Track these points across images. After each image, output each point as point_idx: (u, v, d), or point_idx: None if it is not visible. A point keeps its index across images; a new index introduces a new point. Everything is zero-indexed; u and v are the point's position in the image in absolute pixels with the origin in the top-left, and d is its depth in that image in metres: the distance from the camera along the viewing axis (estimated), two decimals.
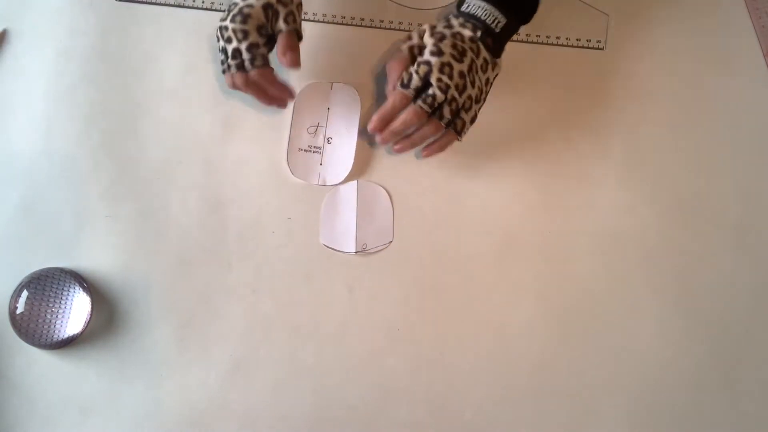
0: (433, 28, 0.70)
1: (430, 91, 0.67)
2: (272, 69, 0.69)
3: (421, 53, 0.69)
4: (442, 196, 0.75)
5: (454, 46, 0.68)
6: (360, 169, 0.75)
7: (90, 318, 0.70)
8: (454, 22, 0.70)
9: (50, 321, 0.69)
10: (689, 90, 0.77)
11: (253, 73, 0.68)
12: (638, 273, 0.74)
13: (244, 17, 0.66)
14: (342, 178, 0.74)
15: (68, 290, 0.70)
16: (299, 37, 0.70)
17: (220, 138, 0.75)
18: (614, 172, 0.76)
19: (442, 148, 0.71)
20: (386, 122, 0.69)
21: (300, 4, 0.70)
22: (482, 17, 0.69)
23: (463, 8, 0.70)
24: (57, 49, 0.76)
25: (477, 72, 0.69)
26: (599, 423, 0.72)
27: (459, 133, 0.70)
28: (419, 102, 0.67)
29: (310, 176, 0.74)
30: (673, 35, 0.78)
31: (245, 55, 0.67)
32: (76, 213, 0.74)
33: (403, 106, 0.68)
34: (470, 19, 0.69)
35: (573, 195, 0.75)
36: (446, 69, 0.67)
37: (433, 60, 0.67)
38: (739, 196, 0.75)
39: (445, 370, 0.72)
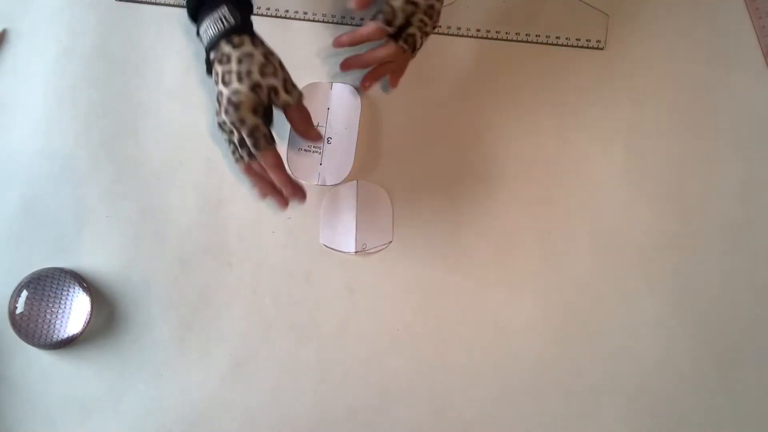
0: None
1: (411, 30, 0.69)
2: (274, 144, 0.66)
3: None
4: (442, 196, 0.75)
5: None
6: (360, 168, 0.75)
7: (90, 318, 0.70)
8: None
9: (50, 321, 0.69)
10: (689, 90, 0.77)
11: (262, 155, 0.64)
12: (638, 273, 0.74)
13: (235, 106, 0.62)
14: (342, 178, 0.74)
15: (68, 290, 0.70)
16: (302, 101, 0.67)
17: (220, 138, 0.75)
18: (614, 172, 0.76)
19: (403, 71, 0.73)
20: (354, 42, 0.70)
21: (281, 63, 0.66)
22: None
23: None
24: (57, 49, 0.76)
25: None
26: (599, 423, 0.72)
27: (413, 49, 0.71)
28: (401, 43, 0.69)
29: (310, 176, 0.74)
30: (672, 35, 0.78)
31: (249, 141, 0.64)
32: (76, 213, 0.74)
33: (376, 39, 0.69)
34: None
35: (573, 195, 0.75)
36: (429, 11, 0.68)
37: (421, 1, 0.67)
38: (739, 196, 0.75)
39: (445, 370, 0.72)
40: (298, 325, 0.73)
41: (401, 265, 0.74)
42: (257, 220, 0.74)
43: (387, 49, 0.70)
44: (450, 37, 0.77)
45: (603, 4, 0.78)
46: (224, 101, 0.63)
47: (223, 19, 0.63)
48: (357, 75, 0.76)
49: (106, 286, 0.72)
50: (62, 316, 0.69)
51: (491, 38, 0.77)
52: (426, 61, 0.75)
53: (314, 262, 0.73)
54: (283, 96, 0.64)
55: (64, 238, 0.73)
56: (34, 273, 0.71)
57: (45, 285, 0.70)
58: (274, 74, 0.64)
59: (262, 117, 0.64)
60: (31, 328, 0.69)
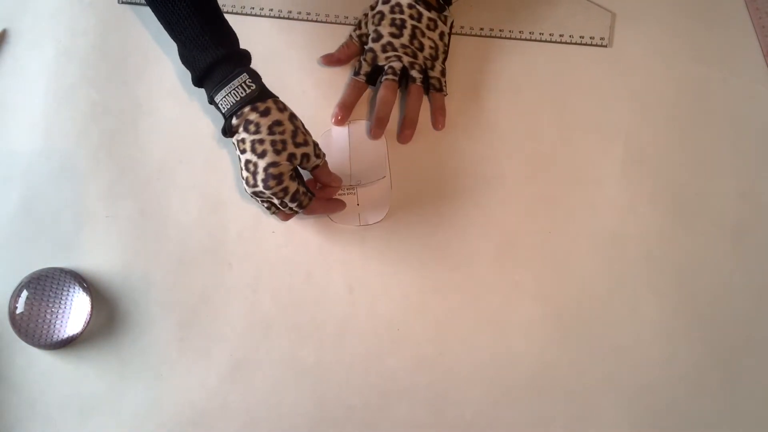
0: (374, 8, 0.74)
1: (386, 66, 0.72)
2: (313, 195, 0.68)
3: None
4: (442, 195, 0.75)
5: (392, 23, 0.71)
6: None
7: (90, 318, 0.70)
8: None
9: (50, 321, 0.69)
10: (689, 90, 0.77)
11: (311, 207, 0.68)
12: (638, 273, 0.74)
13: (278, 179, 0.63)
14: (382, 216, 0.73)
15: (68, 290, 0.70)
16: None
17: (220, 138, 0.75)
18: (615, 172, 0.76)
19: (442, 110, 0.74)
20: (347, 109, 0.74)
21: (302, 122, 0.67)
22: None
23: None
24: (57, 49, 0.76)
25: (423, 36, 0.72)
26: (599, 423, 0.72)
27: (440, 90, 0.73)
28: (382, 77, 0.72)
29: (350, 219, 0.73)
30: (673, 35, 0.78)
31: (292, 204, 0.66)
32: (76, 213, 0.74)
33: (358, 92, 0.74)
34: None
35: (573, 195, 0.75)
36: (388, 48, 0.71)
37: (375, 45, 0.72)
38: (739, 196, 0.75)
39: (445, 370, 0.72)
40: (298, 325, 0.73)
41: (401, 266, 0.74)
42: (257, 220, 0.74)
43: (418, 98, 0.73)
44: (453, 36, 0.77)
45: (607, 2, 0.78)
46: (261, 173, 0.63)
47: (245, 86, 0.64)
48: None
49: (106, 286, 0.72)
50: (62, 316, 0.69)
51: (495, 37, 0.77)
52: None
53: (314, 262, 0.73)
54: (314, 160, 0.67)
55: (64, 238, 0.73)
56: (34, 273, 0.71)
57: (45, 285, 0.70)
58: (306, 143, 0.65)
59: (298, 178, 0.67)
60: (31, 328, 0.69)
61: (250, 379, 0.71)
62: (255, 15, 0.77)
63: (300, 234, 0.74)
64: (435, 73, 0.73)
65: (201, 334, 0.72)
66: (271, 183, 0.63)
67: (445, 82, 0.74)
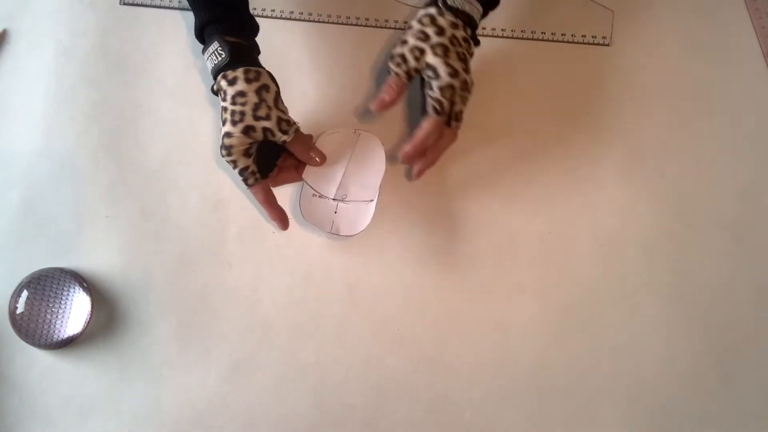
0: (424, 39, 0.67)
1: (457, 108, 0.68)
2: (266, 182, 0.69)
3: (420, 70, 0.68)
4: (442, 195, 0.75)
5: (459, 57, 0.67)
6: None
7: (90, 318, 0.70)
8: (444, 22, 0.67)
9: (50, 321, 0.69)
10: (689, 89, 0.77)
11: (252, 191, 0.69)
12: (638, 273, 0.74)
13: (228, 149, 0.66)
14: (356, 231, 0.72)
15: (68, 290, 0.70)
16: (300, 131, 0.68)
17: (220, 138, 0.75)
18: (615, 172, 0.76)
19: (451, 143, 0.71)
20: (420, 152, 0.68)
21: (277, 94, 0.66)
22: (468, 12, 0.68)
23: (450, 2, 0.68)
24: (57, 49, 0.76)
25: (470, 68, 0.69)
26: (599, 423, 0.72)
27: (456, 124, 0.70)
28: (453, 123, 0.69)
29: (322, 224, 0.72)
30: (673, 35, 0.78)
31: (240, 178, 0.68)
32: (76, 213, 0.74)
33: (437, 134, 0.68)
34: (458, 15, 0.68)
35: (573, 195, 0.75)
36: (464, 85, 0.68)
37: (455, 82, 0.67)
38: (739, 196, 0.75)
39: (445, 370, 0.72)
40: (298, 325, 0.73)
41: (401, 265, 0.74)
42: (257, 220, 0.74)
43: (439, 132, 0.69)
44: None
45: (607, 1, 0.78)
46: (221, 140, 0.66)
47: (216, 54, 0.66)
48: (358, 75, 0.76)
49: (106, 286, 0.72)
50: (62, 316, 0.69)
51: (495, 36, 0.77)
52: None
53: (314, 262, 0.73)
54: (279, 135, 0.66)
55: (64, 238, 0.73)
56: (34, 273, 0.71)
57: (45, 285, 0.70)
58: (268, 117, 0.65)
59: (258, 153, 0.67)
60: (31, 328, 0.69)
61: (250, 379, 0.71)
62: (255, 15, 0.77)
63: (300, 234, 0.74)
64: (463, 105, 0.70)
65: (201, 334, 0.72)
66: (223, 152, 0.66)
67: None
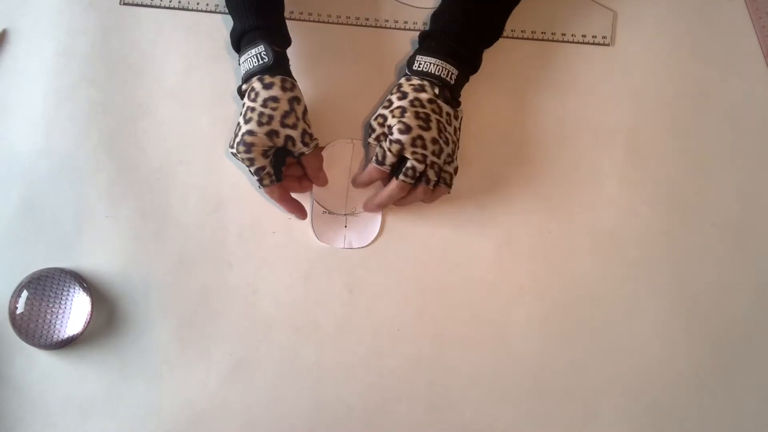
0: (387, 107, 0.70)
1: (409, 164, 0.68)
2: (282, 183, 0.70)
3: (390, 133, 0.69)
4: (442, 195, 0.75)
5: (416, 116, 0.68)
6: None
7: (90, 318, 0.70)
8: (407, 87, 0.70)
9: (50, 321, 0.69)
10: (689, 90, 0.77)
11: (266, 191, 0.70)
12: (638, 273, 0.74)
13: (248, 146, 0.66)
14: (368, 242, 0.73)
15: (68, 290, 0.70)
16: (320, 149, 0.71)
17: (220, 138, 0.75)
18: (615, 172, 0.76)
19: (431, 201, 0.72)
20: (380, 207, 0.72)
21: (305, 109, 0.69)
22: (436, 72, 0.69)
23: (415, 67, 0.71)
24: (57, 49, 0.76)
25: (445, 130, 0.69)
26: (599, 423, 0.72)
27: (449, 185, 0.71)
28: (401, 177, 0.69)
29: (335, 240, 0.73)
30: (673, 35, 0.78)
31: (255, 177, 0.68)
32: (76, 213, 0.74)
33: (380, 178, 0.71)
34: (425, 77, 0.70)
35: (573, 195, 0.75)
36: (418, 142, 0.68)
37: (404, 138, 0.68)
38: (739, 196, 0.75)
39: (445, 370, 0.72)
40: (298, 325, 0.73)
41: (401, 266, 0.74)
42: (257, 220, 0.74)
43: (400, 191, 0.70)
44: None
45: (608, 1, 0.78)
46: (239, 136, 0.67)
47: (259, 57, 0.67)
48: (358, 75, 0.76)
49: (106, 286, 0.72)
50: (62, 316, 0.69)
51: None
52: None
53: (314, 262, 0.73)
54: (299, 147, 0.68)
55: (64, 238, 0.73)
56: (34, 273, 0.71)
57: (45, 285, 0.70)
58: (294, 126, 0.67)
59: (273, 156, 0.69)
60: (31, 328, 0.69)
61: (250, 379, 0.71)
62: None
63: (300, 234, 0.74)
64: (450, 169, 0.70)
65: (201, 334, 0.72)
66: (240, 148, 0.66)
67: (455, 180, 0.72)
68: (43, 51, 0.76)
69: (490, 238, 0.74)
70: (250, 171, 0.68)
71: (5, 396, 0.70)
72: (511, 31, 0.78)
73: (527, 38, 0.78)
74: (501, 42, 0.76)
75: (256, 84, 0.67)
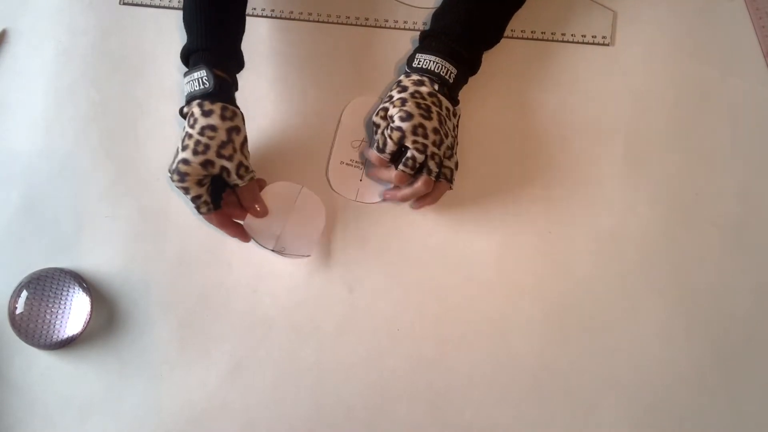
0: (388, 101, 0.70)
1: (409, 154, 0.68)
2: (220, 210, 0.68)
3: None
4: (442, 195, 0.75)
5: (418, 105, 0.68)
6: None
7: (90, 318, 0.70)
8: (407, 82, 0.70)
9: (50, 321, 0.69)
10: (689, 90, 0.77)
11: (205, 218, 0.68)
12: (638, 273, 0.74)
13: (182, 176, 0.65)
14: (378, 199, 0.74)
15: (68, 290, 0.70)
16: (256, 181, 0.69)
17: (174, 162, 0.75)
18: (615, 172, 0.76)
19: (435, 200, 0.72)
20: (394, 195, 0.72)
21: (245, 139, 0.67)
22: (435, 70, 0.70)
23: (415, 64, 0.71)
24: (57, 49, 0.76)
25: (445, 123, 0.70)
26: (599, 423, 0.72)
27: (450, 180, 0.71)
28: (401, 166, 0.69)
29: (348, 191, 0.74)
30: (673, 35, 0.78)
31: (192, 204, 0.67)
32: (76, 213, 0.74)
33: (381, 166, 0.71)
34: (424, 74, 0.70)
35: (573, 195, 0.75)
36: (419, 130, 0.68)
37: (405, 125, 0.68)
38: (739, 196, 0.75)
39: (445, 370, 0.72)
40: (298, 325, 0.72)
41: (401, 265, 0.74)
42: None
43: (424, 185, 0.70)
44: None
45: (608, 1, 0.78)
46: (174, 163, 0.65)
47: (201, 81, 0.66)
48: (357, 74, 0.76)
49: (106, 286, 0.72)
50: (62, 316, 0.69)
51: None
52: None
53: (314, 262, 0.73)
54: (234, 179, 0.66)
55: (64, 238, 0.73)
56: (34, 273, 0.71)
57: (45, 285, 0.70)
58: (230, 158, 0.65)
59: (212, 183, 0.67)
60: (31, 329, 0.69)
61: (250, 379, 0.71)
62: (255, 15, 0.77)
63: None
64: (450, 164, 0.70)
65: (201, 334, 0.72)
66: (175, 177, 0.65)
67: (456, 176, 0.72)
68: (43, 51, 0.76)
69: (490, 238, 0.74)
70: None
71: (5, 396, 0.70)
72: (511, 31, 0.78)
73: (527, 38, 0.78)
74: (501, 42, 0.76)
75: (196, 109, 0.65)
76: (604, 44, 0.78)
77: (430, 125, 0.68)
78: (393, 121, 0.68)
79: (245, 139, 0.67)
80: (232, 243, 0.73)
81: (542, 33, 0.78)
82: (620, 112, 0.77)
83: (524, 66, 0.77)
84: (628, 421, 0.72)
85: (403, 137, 0.68)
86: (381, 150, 0.70)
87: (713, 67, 0.78)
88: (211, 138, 0.64)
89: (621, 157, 0.76)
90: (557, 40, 0.78)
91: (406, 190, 0.70)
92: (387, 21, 0.78)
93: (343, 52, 0.77)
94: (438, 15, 0.73)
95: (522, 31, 0.78)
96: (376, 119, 0.71)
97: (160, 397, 0.71)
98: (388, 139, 0.69)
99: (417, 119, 0.67)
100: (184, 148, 0.65)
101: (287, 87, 0.76)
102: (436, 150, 0.68)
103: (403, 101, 0.69)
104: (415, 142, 0.68)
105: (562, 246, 0.74)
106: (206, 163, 0.64)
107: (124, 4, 0.77)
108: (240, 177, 0.66)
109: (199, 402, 0.71)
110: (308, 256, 0.72)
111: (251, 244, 0.72)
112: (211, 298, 0.73)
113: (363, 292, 0.73)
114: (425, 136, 0.68)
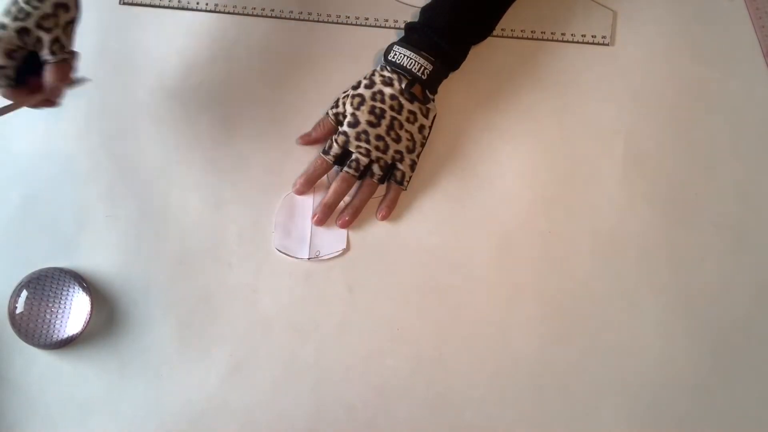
0: (355, 89, 0.71)
1: (353, 157, 0.70)
2: (22, 87, 0.62)
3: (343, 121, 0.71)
4: (441, 195, 0.75)
5: (371, 111, 0.70)
6: None
7: (90, 318, 0.70)
8: (377, 78, 0.71)
9: (50, 321, 0.69)
10: (689, 90, 0.77)
11: (2, 92, 0.62)
12: (638, 273, 0.74)
13: None
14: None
15: (68, 290, 0.70)
16: (70, 63, 0.63)
17: (220, 138, 0.75)
18: (614, 172, 0.76)
19: (393, 204, 0.73)
20: (310, 184, 0.73)
21: (72, 21, 0.62)
22: (408, 66, 0.70)
23: (390, 57, 0.71)
24: None
25: (401, 128, 0.71)
26: (599, 423, 0.72)
27: (400, 183, 0.72)
28: (345, 168, 0.71)
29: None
30: (673, 35, 0.78)
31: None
32: (76, 213, 0.74)
33: (324, 170, 0.72)
34: (396, 69, 0.71)
35: (573, 195, 0.75)
36: (362, 136, 0.70)
37: (350, 131, 0.70)
38: (739, 196, 0.75)
39: (445, 370, 0.72)
40: (298, 325, 0.73)
41: (401, 265, 0.74)
42: (257, 220, 0.74)
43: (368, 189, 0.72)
44: None
45: (608, 1, 0.78)
46: None
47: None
48: (356, 74, 0.76)
49: (106, 286, 0.72)
50: (62, 316, 0.69)
51: (495, 35, 0.77)
52: None
53: (314, 262, 0.73)
54: (46, 53, 0.61)
55: (64, 238, 0.73)
56: (34, 273, 0.71)
57: (45, 285, 0.70)
58: (49, 30, 0.60)
59: (25, 63, 0.61)
60: (31, 328, 0.69)
61: (250, 379, 0.71)
62: (255, 15, 0.77)
63: None
64: (403, 167, 0.72)
65: (201, 334, 0.72)
66: None
67: (410, 177, 0.73)
68: None
69: (490, 238, 0.74)
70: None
71: (5, 396, 0.70)
72: (511, 30, 0.78)
73: (527, 38, 0.78)
74: (500, 42, 0.76)
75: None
76: (604, 44, 0.78)
77: (373, 132, 0.70)
78: (341, 125, 0.71)
79: (73, 21, 0.62)
80: (232, 243, 0.73)
81: (542, 33, 0.78)
82: (620, 112, 0.77)
83: (524, 66, 0.77)
84: (628, 421, 0.72)
85: (347, 142, 0.70)
86: (326, 153, 0.71)
87: (713, 67, 0.78)
88: (35, 8, 0.59)
89: (621, 157, 0.76)
90: (557, 40, 0.78)
91: (355, 200, 0.72)
92: (387, 21, 0.78)
93: (343, 52, 0.77)
94: (425, 7, 0.73)
95: (522, 31, 0.78)
96: (339, 101, 0.73)
97: (160, 397, 0.71)
98: (334, 143, 0.71)
99: (362, 126, 0.70)
100: (6, 13, 0.59)
101: (287, 88, 0.76)
102: (380, 155, 0.70)
103: (361, 102, 0.70)
104: (358, 147, 0.70)
105: (562, 246, 0.74)
106: (21, 30, 0.59)
107: (124, 4, 0.77)
108: (52, 53, 0.61)
109: (199, 402, 0.71)
110: (344, 249, 0.73)
111: (274, 251, 0.72)
112: (212, 298, 0.73)
113: (363, 292, 0.73)
114: (368, 142, 0.70)
